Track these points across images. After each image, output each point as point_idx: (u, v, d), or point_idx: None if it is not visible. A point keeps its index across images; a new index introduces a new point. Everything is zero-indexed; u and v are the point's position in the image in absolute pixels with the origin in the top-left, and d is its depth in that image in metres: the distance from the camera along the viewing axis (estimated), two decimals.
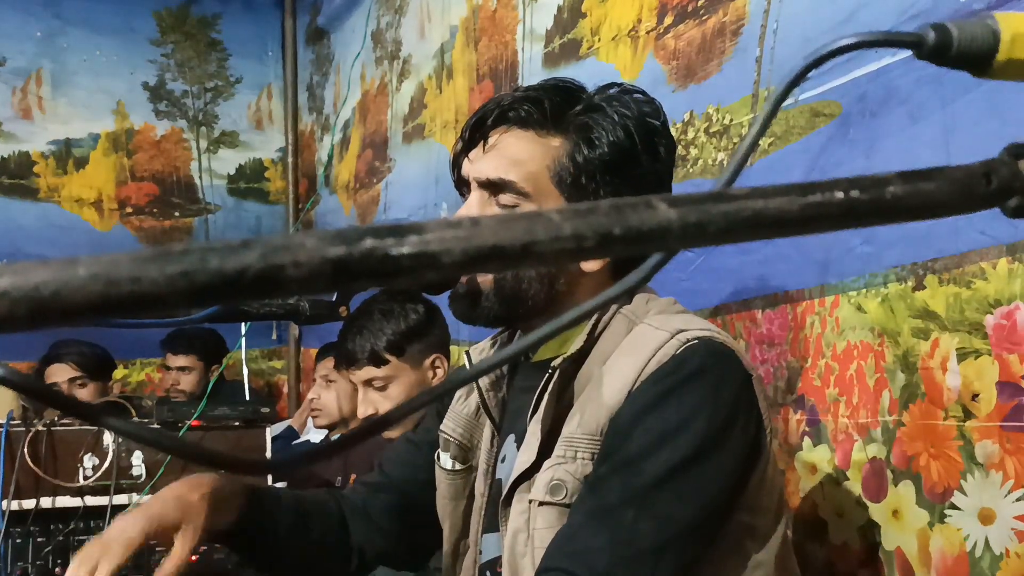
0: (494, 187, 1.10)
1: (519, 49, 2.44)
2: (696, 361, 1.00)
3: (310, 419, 2.88)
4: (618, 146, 1.09)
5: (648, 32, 1.91)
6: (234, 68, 4.33)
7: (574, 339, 1.10)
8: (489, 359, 0.41)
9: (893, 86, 1.35)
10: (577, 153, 1.09)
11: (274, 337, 4.30)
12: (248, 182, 4.35)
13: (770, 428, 1.06)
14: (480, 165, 1.11)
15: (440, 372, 2.02)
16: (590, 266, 1.12)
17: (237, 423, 2.08)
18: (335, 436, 2.72)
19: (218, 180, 4.29)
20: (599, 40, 2.08)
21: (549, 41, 2.29)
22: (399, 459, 1.37)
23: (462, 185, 1.16)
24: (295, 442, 2.96)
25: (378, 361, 1.94)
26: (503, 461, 1.18)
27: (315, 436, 2.92)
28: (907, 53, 1.36)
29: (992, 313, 1.18)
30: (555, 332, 0.37)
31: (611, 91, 1.14)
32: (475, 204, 1.12)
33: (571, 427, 1.04)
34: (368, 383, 1.97)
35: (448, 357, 2.05)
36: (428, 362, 1.99)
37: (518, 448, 1.12)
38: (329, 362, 2.68)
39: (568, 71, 2.15)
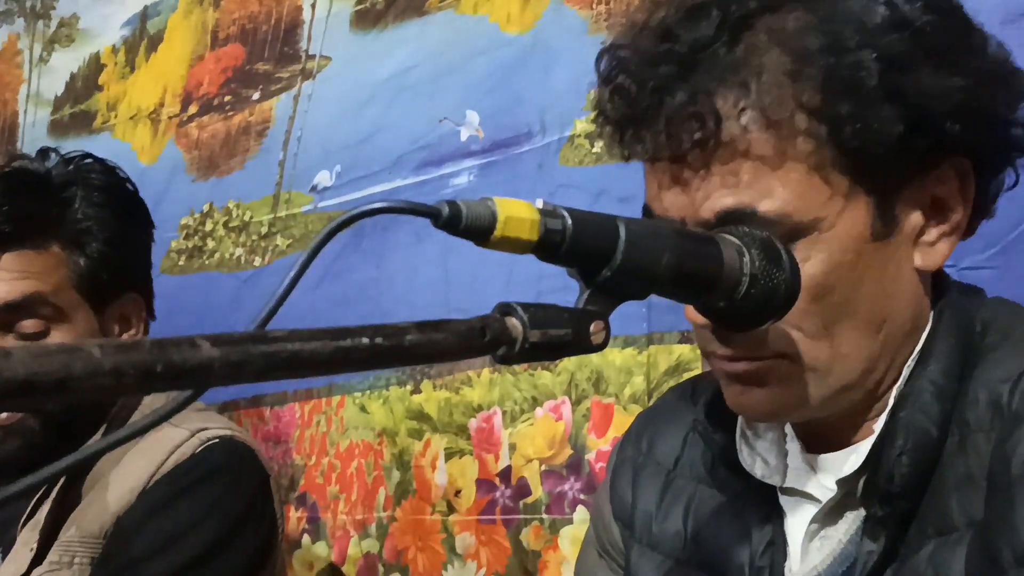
0: (16, 312, 1.00)
1: (20, 111, 2.24)
2: (214, 460, 1.00)
3: None
4: (115, 229, 1.08)
5: (171, 117, 1.88)
6: None
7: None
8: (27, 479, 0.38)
9: None
10: (86, 252, 1.05)
11: None
12: None
13: (282, 528, 1.09)
14: None
15: None
16: None
17: None
18: None
19: None
20: (116, 116, 1.99)
21: (58, 108, 2.14)
22: None
23: None
24: None
25: None
26: None
27: None
28: (421, 178, 1.50)
29: (475, 417, 1.34)
30: (97, 453, 0.36)
31: (75, 169, 1.10)
32: None
33: (69, 532, 0.98)
34: None
35: None
36: None
37: (3, 559, 1.01)
38: None
39: (79, 144, 2.00)
